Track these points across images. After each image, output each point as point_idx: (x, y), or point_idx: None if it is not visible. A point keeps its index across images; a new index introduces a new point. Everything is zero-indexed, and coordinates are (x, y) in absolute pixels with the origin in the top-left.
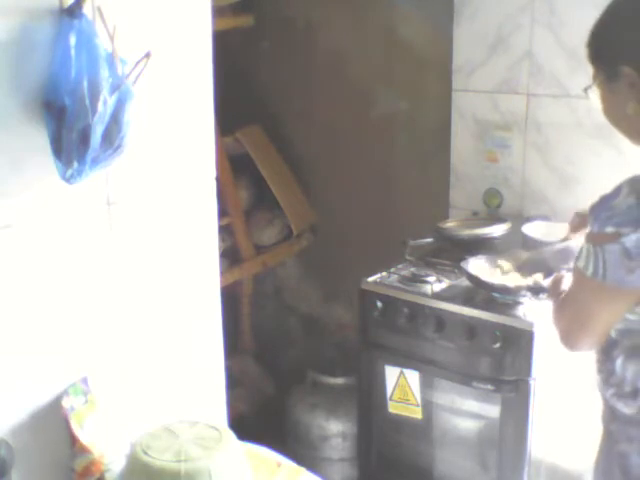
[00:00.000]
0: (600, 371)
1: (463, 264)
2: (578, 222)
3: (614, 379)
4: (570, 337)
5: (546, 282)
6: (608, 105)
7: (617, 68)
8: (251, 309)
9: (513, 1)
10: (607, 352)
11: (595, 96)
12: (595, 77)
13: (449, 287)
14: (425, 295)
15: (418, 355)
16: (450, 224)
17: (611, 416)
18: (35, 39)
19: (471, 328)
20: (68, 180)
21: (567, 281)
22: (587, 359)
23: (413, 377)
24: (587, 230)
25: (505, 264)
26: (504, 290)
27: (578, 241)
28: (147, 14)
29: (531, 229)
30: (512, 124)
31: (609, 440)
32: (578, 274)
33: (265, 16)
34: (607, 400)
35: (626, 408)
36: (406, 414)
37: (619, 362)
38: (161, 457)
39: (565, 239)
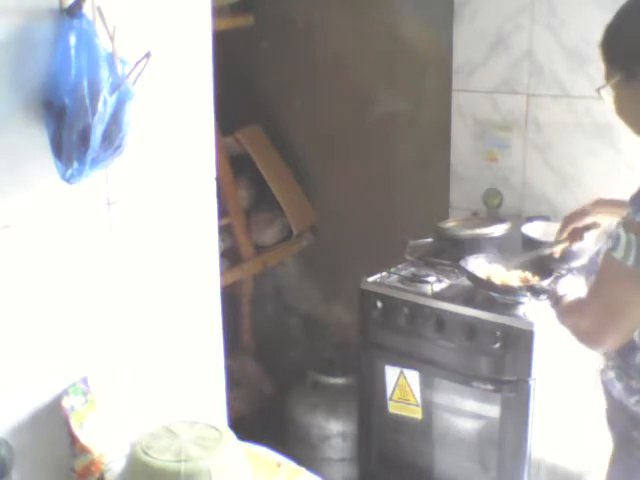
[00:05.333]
0: (620, 379)
1: (463, 263)
2: (566, 227)
3: (638, 386)
4: (598, 333)
5: (545, 283)
6: (625, 105)
7: (634, 68)
8: (251, 309)
9: (513, 1)
10: (629, 358)
11: (608, 97)
12: (609, 77)
13: (449, 287)
14: (425, 295)
15: (418, 355)
16: (450, 224)
17: (632, 423)
18: (35, 39)
19: (471, 328)
20: (68, 180)
21: (564, 285)
22: (586, 361)
23: (413, 377)
24: (623, 219)
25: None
26: (504, 290)
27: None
28: (147, 14)
29: (531, 229)
30: (512, 124)
31: (628, 447)
32: (614, 265)
33: (265, 16)
34: (628, 407)
35: None
36: (406, 414)
37: None
38: (161, 457)
39: (556, 244)
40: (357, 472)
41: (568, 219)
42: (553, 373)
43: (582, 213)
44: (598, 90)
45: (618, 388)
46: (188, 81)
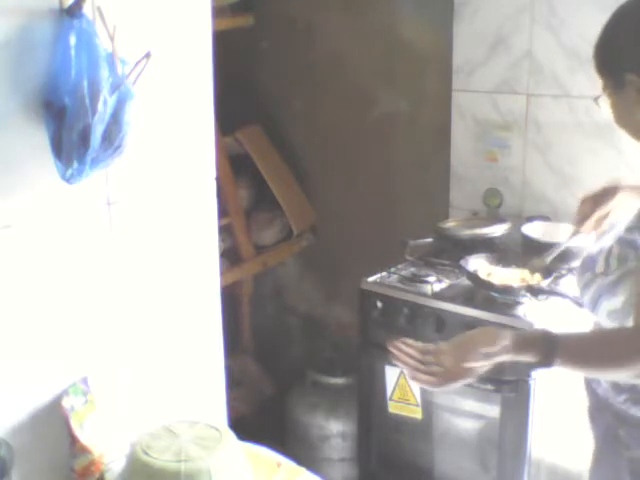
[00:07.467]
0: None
1: (463, 263)
2: (588, 209)
3: (627, 384)
4: None
5: (544, 283)
6: (619, 113)
7: (623, 76)
8: (251, 309)
9: (513, 1)
10: None
11: (606, 105)
12: (604, 87)
13: (449, 287)
14: (425, 295)
15: None
16: (450, 224)
17: (619, 422)
18: (35, 39)
19: (471, 328)
20: (68, 180)
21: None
22: None
23: None
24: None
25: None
26: (504, 290)
27: (578, 241)
28: (147, 14)
29: (531, 229)
30: (512, 124)
31: (614, 446)
32: None
33: (265, 16)
34: (614, 405)
35: None
36: (406, 414)
37: None
38: (161, 457)
39: (575, 233)
40: (357, 472)
41: (593, 204)
42: (553, 373)
43: (606, 194)
44: (595, 100)
45: (604, 386)
46: (188, 81)
